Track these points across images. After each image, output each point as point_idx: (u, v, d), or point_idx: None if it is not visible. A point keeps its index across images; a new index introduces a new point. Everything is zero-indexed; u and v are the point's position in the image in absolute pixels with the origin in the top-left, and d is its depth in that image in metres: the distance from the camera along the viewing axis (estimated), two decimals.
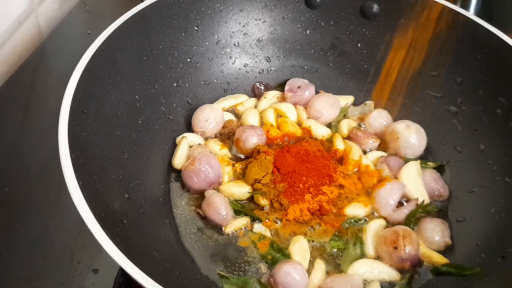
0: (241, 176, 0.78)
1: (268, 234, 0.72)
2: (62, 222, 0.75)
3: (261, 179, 0.75)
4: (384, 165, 0.79)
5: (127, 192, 0.67)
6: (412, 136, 0.81)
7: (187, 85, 0.87)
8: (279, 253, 0.69)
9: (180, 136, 0.82)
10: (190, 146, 0.81)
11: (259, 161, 0.76)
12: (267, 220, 0.73)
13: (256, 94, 0.93)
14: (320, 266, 0.68)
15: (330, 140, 0.85)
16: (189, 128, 0.85)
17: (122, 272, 0.69)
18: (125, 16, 0.75)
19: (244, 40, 0.93)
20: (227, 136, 0.85)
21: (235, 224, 0.72)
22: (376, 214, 0.75)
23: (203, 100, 0.88)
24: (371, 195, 0.76)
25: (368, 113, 0.88)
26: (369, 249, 0.70)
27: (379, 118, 0.86)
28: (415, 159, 0.80)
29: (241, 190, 0.76)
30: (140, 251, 0.60)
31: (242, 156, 0.82)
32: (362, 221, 0.74)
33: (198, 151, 0.78)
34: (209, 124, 0.83)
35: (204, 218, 0.73)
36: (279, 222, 0.73)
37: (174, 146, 0.81)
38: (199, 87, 0.89)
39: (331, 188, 0.76)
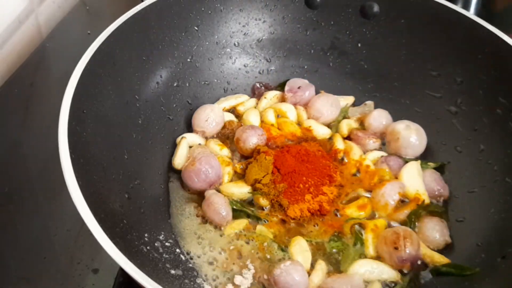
0: (241, 176, 0.78)
1: (268, 234, 0.72)
2: (62, 222, 0.75)
3: (261, 179, 0.75)
4: (384, 165, 0.79)
5: (127, 192, 0.67)
6: (412, 136, 0.81)
7: (187, 85, 0.87)
8: (279, 253, 0.69)
9: (180, 136, 0.82)
10: (190, 146, 0.81)
11: (259, 161, 0.76)
12: (266, 221, 0.73)
13: (256, 94, 0.93)
14: (320, 266, 0.68)
15: (330, 140, 0.85)
16: (189, 128, 0.85)
17: (122, 272, 0.69)
18: (125, 16, 0.75)
19: (244, 40, 0.93)
20: (227, 136, 0.85)
21: (235, 225, 0.72)
22: (376, 214, 0.75)
23: (203, 100, 0.88)
24: (371, 195, 0.76)
25: (368, 113, 0.88)
26: (369, 249, 0.70)
27: (379, 118, 0.86)
28: (415, 159, 0.80)
29: (241, 190, 0.76)
30: (140, 251, 0.60)
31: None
32: (362, 221, 0.74)
33: (198, 151, 0.78)
34: (209, 124, 0.83)
35: (204, 218, 0.73)
36: (283, 223, 0.73)
37: (174, 146, 0.81)
38: (199, 87, 0.89)
39: (331, 188, 0.76)
